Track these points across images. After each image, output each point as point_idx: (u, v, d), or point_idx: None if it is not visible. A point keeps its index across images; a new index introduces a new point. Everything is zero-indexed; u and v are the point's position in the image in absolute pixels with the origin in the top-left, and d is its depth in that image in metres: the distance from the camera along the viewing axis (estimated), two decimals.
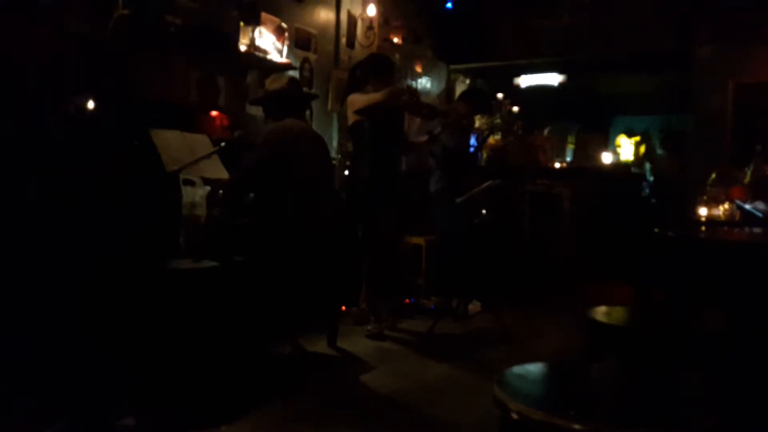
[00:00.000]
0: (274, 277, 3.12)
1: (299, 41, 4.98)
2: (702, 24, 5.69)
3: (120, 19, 3.30)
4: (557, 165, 6.57)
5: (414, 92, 4.44)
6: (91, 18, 3.23)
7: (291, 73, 4.82)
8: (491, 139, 6.16)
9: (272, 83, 3.52)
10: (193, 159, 3.11)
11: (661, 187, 7.18)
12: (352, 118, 4.03)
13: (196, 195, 2.99)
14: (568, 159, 7.39)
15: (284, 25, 4.60)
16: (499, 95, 6.54)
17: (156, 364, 2.54)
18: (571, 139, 7.87)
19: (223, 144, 3.28)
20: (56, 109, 2.97)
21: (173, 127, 3.34)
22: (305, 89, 4.27)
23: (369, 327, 4.03)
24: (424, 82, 6.83)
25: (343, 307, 4.15)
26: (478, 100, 5.02)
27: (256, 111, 4.15)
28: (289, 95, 3.46)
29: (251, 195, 3.37)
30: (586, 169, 6.57)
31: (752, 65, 5.51)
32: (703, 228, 3.39)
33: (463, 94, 5.34)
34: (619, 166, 7.88)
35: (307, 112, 5.00)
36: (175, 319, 2.60)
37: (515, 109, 6.56)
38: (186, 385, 2.60)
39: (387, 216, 4.09)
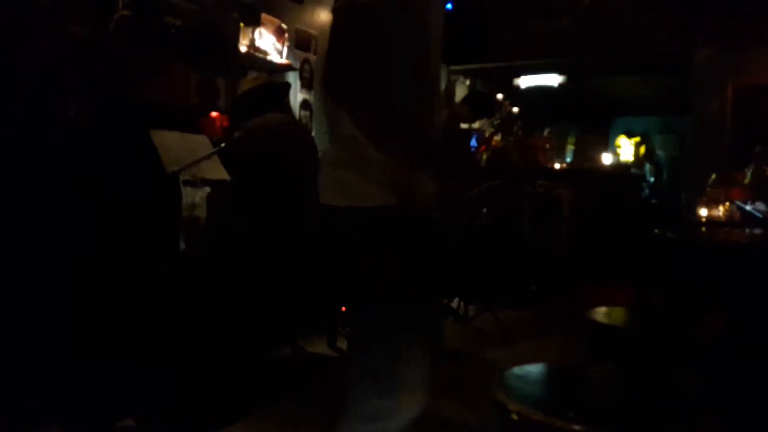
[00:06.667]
0: (274, 279, 3.12)
1: (299, 42, 4.98)
2: (701, 27, 5.70)
3: (120, 20, 3.30)
4: (557, 166, 6.57)
5: None
6: (91, 19, 3.23)
7: (291, 74, 4.82)
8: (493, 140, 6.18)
9: (244, 85, 3.47)
10: (194, 160, 3.11)
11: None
12: None
13: (196, 196, 2.99)
14: (568, 160, 7.40)
15: (284, 26, 4.61)
16: (499, 96, 6.54)
17: (156, 366, 2.54)
18: (570, 140, 7.88)
19: (223, 144, 3.27)
20: (56, 111, 2.97)
21: (173, 128, 3.33)
22: (279, 80, 4.17)
23: None
24: None
25: (343, 308, 4.15)
26: (481, 103, 5.02)
27: None
28: (254, 93, 3.39)
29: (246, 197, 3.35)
30: (586, 170, 6.59)
31: (751, 68, 5.52)
32: (703, 229, 3.39)
33: (466, 97, 5.34)
34: (618, 167, 7.89)
35: (306, 113, 5.02)
36: (175, 321, 2.60)
37: (515, 109, 6.57)
38: (186, 386, 2.60)
39: None
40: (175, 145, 3.23)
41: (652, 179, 8.37)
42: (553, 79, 7.51)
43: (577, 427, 1.20)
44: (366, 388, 1.43)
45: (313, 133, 5.04)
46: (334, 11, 1.40)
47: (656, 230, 2.95)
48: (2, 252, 2.47)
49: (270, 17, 4.49)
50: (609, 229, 5.81)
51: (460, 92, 7.46)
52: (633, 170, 8.02)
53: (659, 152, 8.97)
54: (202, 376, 2.67)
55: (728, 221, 3.40)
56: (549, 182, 5.86)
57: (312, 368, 3.41)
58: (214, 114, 3.99)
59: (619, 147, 8.85)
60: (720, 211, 3.47)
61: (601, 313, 2.19)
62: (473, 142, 5.26)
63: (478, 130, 5.62)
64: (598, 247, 5.73)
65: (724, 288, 2.39)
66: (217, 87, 4.19)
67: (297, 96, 4.92)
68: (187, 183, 3.00)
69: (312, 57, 5.13)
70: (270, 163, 3.22)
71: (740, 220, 3.36)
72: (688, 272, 2.61)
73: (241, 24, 4.21)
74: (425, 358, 1.47)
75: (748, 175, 3.66)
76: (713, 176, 3.73)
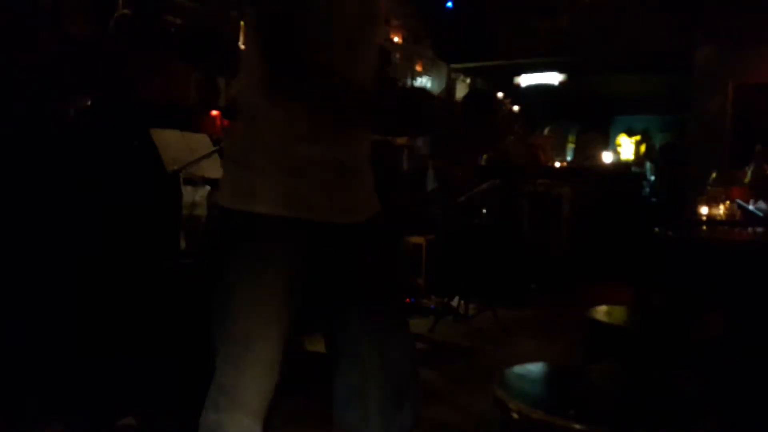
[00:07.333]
0: None
1: None
2: (701, 25, 5.70)
3: (120, 19, 3.29)
4: (557, 165, 6.57)
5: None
6: (91, 18, 3.23)
7: None
8: None
9: (234, 88, 3.45)
10: (194, 159, 3.11)
11: None
12: None
13: (196, 195, 2.99)
14: (569, 158, 7.39)
15: None
16: (499, 95, 6.54)
17: (157, 365, 2.54)
18: (571, 138, 7.88)
19: (223, 144, 3.27)
20: (56, 110, 2.97)
21: (173, 127, 3.33)
22: None
23: None
24: (424, 82, 6.84)
25: None
26: (482, 102, 5.01)
27: None
28: None
29: None
30: (586, 169, 6.59)
31: (751, 66, 5.51)
32: (704, 228, 3.39)
33: (466, 96, 5.34)
34: (619, 166, 7.89)
35: None
36: (175, 320, 2.60)
37: (515, 108, 6.57)
38: (187, 385, 2.60)
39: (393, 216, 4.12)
40: (175, 144, 3.23)
41: (652, 178, 8.37)
42: (553, 78, 7.50)
43: (577, 426, 1.20)
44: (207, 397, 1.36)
45: None
46: None
47: (656, 229, 2.95)
48: (2, 251, 2.47)
49: None
50: (609, 227, 5.82)
51: (461, 91, 7.47)
52: (633, 169, 8.02)
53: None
54: (203, 375, 2.67)
55: (729, 220, 3.40)
56: (549, 181, 5.86)
57: (312, 367, 3.40)
58: (214, 113, 3.99)
59: (619, 145, 8.85)
60: (720, 209, 3.47)
61: (601, 312, 2.19)
62: None
63: None
64: (599, 246, 5.73)
65: (724, 288, 2.39)
66: (217, 86, 4.18)
67: None
68: (187, 182, 3.00)
69: None
70: None
71: (741, 218, 3.36)
72: (688, 272, 2.61)
73: (242, 22, 4.21)
74: (269, 382, 1.37)
75: (749, 173, 3.66)
76: (713, 175, 3.73)
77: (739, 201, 3.42)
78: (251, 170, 1.29)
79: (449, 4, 6.97)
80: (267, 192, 1.28)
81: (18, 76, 2.83)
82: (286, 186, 1.28)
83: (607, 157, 7.45)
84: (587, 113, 8.34)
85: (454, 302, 4.63)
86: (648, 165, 8.49)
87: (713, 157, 5.31)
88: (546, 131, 7.09)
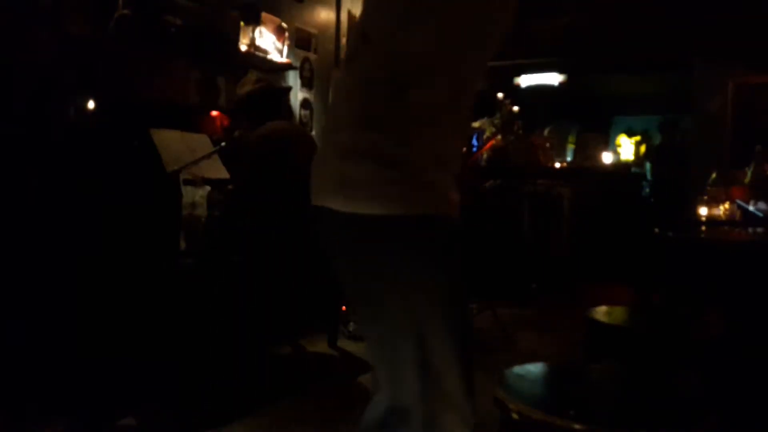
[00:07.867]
0: (275, 278, 3.12)
1: (299, 41, 4.98)
2: (702, 24, 5.70)
3: (120, 19, 3.29)
4: (557, 165, 6.56)
5: None
6: (91, 19, 3.23)
7: (291, 73, 4.82)
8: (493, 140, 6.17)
9: (241, 88, 3.47)
10: (194, 159, 3.11)
11: None
12: None
13: (196, 195, 2.99)
14: (569, 159, 7.38)
15: (284, 24, 4.60)
16: (499, 95, 6.53)
17: (156, 364, 2.54)
18: (571, 139, 7.86)
19: (223, 144, 3.28)
20: (57, 110, 2.97)
21: (173, 127, 3.34)
22: (278, 85, 4.17)
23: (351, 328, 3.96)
24: None
25: (344, 308, 4.15)
26: (483, 102, 5.00)
27: None
28: (259, 96, 3.41)
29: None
30: (586, 169, 6.58)
31: (752, 66, 5.51)
32: (704, 228, 3.39)
33: None
34: (619, 166, 7.89)
35: (306, 112, 5.02)
36: (175, 320, 2.61)
37: (515, 109, 6.56)
38: (186, 385, 2.61)
39: None
40: (175, 144, 3.24)
41: (651, 178, 8.36)
42: (553, 78, 7.50)
43: (577, 426, 1.20)
44: None
45: (313, 133, 5.04)
46: None
47: (656, 229, 2.95)
48: (2, 251, 2.47)
49: (270, 16, 4.48)
50: (609, 227, 5.82)
51: None
52: (633, 169, 8.01)
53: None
54: (203, 375, 2.67)
55: (728, 220, 3.40)
56: (549, 181, 5.86)
57: (312, 367, 3.41)
58: (214, 113, 3.99)
59: (619, 146, 8.84)
60: (720, 210, 3.47)
61: (601, 311, 2.19)
62: (474, 142, 5.26)
63: (478, 130, 5.62)
64: (599, 246, 5.73)
65: (724, 288, 2.39)
66: (218, 86, 4.18)
67: (297, 95, 4.92)
68: (187, 182, 3.00)
69: (312, 56, 5.13)
70: (284, 171, 3.23)
71: (741, 219, 3.36)
72: (688, 272, 2.61)
73: (242, 23, 4.21)
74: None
75: (749, 173, 3.66)
76: (713, 175, 3.73)
77: (739, 201, 3.42)
78: (427, 173, 1.17)
79: None
80: (440, 194, 1.19)
81: (18, 76, 2.82)
82: (449, 185, 1.22)
83: (607, 157, 7.44)
84: (587, 113, 8.33)
85: None
86: (648, 165, 8.49)
87: (713, 157, 5.31)
88: (546, 131, 7.08)
